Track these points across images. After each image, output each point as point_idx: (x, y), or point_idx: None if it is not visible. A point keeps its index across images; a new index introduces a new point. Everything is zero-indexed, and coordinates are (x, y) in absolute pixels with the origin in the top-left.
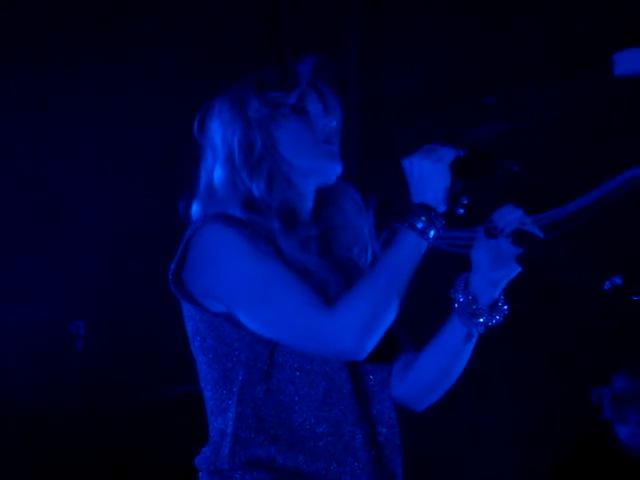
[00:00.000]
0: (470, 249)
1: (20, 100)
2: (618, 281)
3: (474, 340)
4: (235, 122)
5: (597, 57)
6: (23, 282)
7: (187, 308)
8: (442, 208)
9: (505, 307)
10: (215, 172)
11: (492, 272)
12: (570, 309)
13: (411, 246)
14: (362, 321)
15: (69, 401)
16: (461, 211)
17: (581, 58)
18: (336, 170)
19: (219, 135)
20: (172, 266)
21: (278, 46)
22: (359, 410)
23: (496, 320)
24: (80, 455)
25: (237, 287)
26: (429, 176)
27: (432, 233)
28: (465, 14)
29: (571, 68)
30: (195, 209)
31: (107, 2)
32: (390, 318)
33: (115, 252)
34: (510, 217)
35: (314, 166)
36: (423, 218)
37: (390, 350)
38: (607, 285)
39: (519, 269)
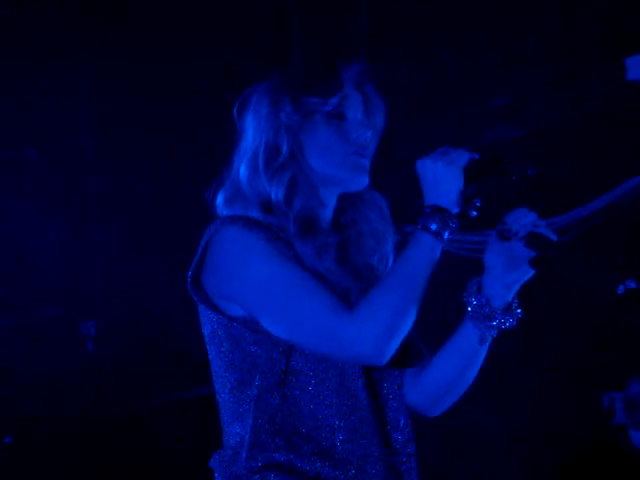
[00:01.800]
0: (483, 252)
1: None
2: (632, 285)
3: (487, 344)
4: (267, 122)
5: (609, 60)
6: (34, 282)
7: (204, 311)
8: (455, 210)
9: (519, 310)
10: (241, 167)
11: (505, 275)
12: (582, 312)
13: (427, 248)
14: (383, 325)
15: (80, 401)
16: (474, 213)
17: (593, 61)
18: (362, 183)
19: (251, 130)
20: (191, 268)
21: (285, 48)
22: (375, 418)
23: (510, 323)
24: (91, 455)
25: (258, 290)
26: (442, 178)
27: (446, 234)
28: (474, 15)
29: (583, 71)
30: (219, 200)
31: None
32: (410, 321)
33: (129, 253)
34: (523, 220)
35: (340, 177)
36: (437, 220)
37: (403, 356)
38: (621, 289)
39: (532, 272)
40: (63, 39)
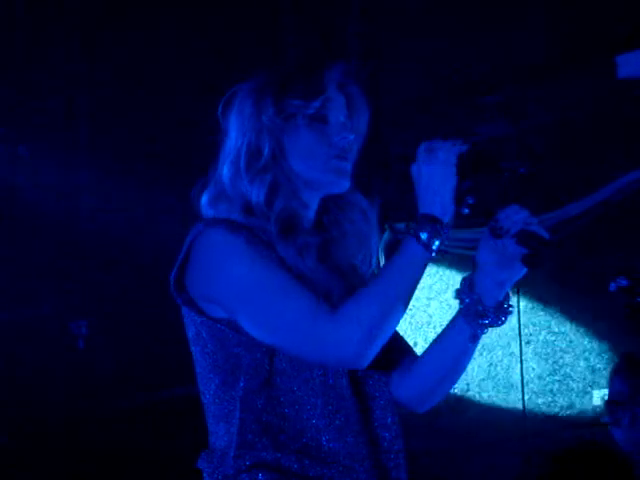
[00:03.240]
0: (475, 250)
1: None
2: (623, 282)
3: (478, 341)
4: (249, 123)
5: (600, 58)
6: (24, 281)
7: (188, 313)
8: (447, 218)
9: (510, 309)
10: (224, 168)
11: (497, 273)
12: (572, 308)
13: (415, 256)
14: (364, 330)
15: (70, 400)
16: (466, 211)
17: (584, 59)
18: (343, 187)
19: (234, 130)
20: (174, 270)
21: (278, 48)
22: (361, 416)
23: (501, 321)
24: (80, 453)
25: (240, 292)
26: (436, 184)
27: (436, 244)
28: (465, 14)
29: (574, 69)
30: (204, 200)
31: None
32: (393, 327)
33: (117, 252)
34: (515, 217)
35: (321, 180)
36: (428, 229)
37: (389, 354)
38: (612, 286)
39: (524, 270)
40: (63, 39)
